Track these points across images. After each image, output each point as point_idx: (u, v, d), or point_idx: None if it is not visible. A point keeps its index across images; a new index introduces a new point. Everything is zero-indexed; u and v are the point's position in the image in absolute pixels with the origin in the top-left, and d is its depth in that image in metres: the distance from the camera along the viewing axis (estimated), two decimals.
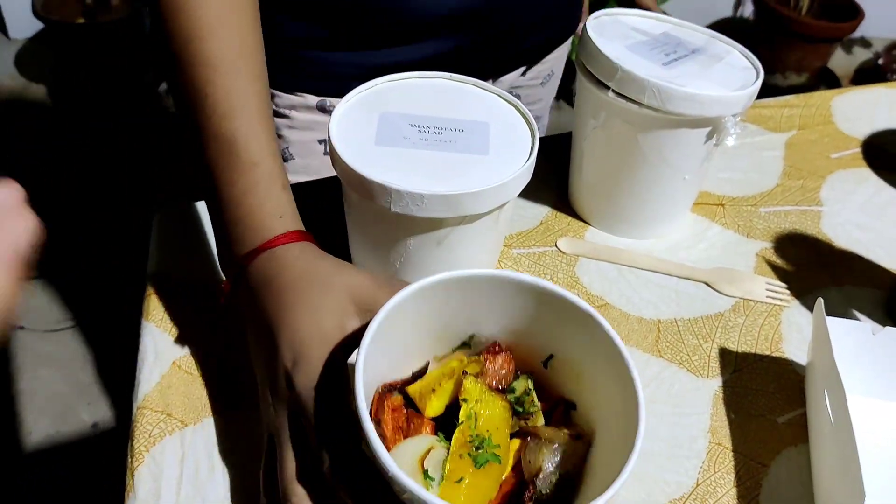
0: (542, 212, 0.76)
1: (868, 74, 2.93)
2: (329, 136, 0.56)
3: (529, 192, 0.70)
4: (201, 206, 0.73)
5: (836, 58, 2.73)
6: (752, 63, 0.69)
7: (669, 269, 0.71)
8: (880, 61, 2.83)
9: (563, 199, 0.77)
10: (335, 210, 0.63)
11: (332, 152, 0.56)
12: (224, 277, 0.55)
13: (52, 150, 2.27)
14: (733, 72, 0.67)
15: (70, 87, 2.37)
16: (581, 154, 0.72)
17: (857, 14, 2.54)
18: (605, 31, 0.69)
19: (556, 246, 0.73)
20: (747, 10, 2.97)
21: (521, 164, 0.56)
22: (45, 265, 1.88)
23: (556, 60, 0.98)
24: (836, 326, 0.58)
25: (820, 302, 0.57)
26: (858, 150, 0.88)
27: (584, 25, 0.68)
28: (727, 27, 2.99)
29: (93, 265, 1.90)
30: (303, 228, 0.54)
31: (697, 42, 0.71)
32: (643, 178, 0.69)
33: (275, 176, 0.54)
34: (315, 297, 0.48)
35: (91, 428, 1.62)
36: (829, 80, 2.74)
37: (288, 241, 0.52)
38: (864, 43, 3.08)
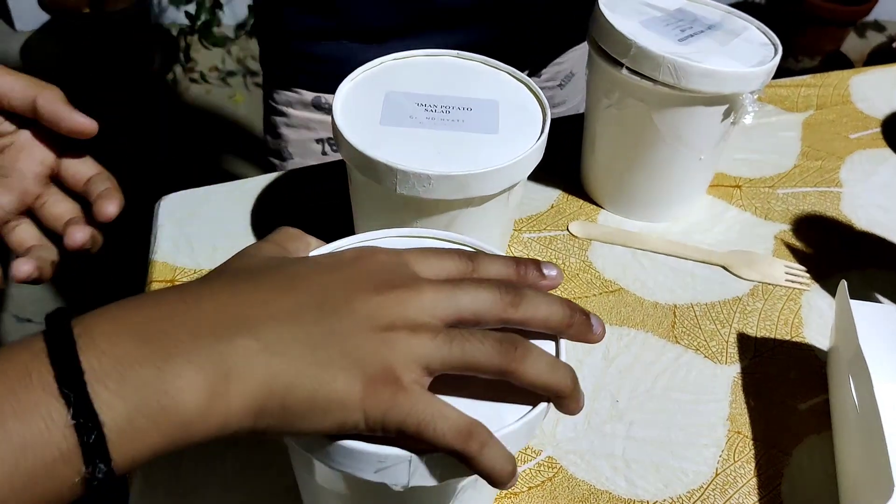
0: (553, 195, 0.74)
1: (881, 58, 2.89)
2: (333, 116, 0.54)
3: (540, 175, 0.68)
4: (204, 192, 0.71)
5: (849, 41, 2.69)
6: (770, 39, 0.66)
7: (685, 253, 0.69)
8: (894, 45, 2.79)
9: (575, 182, 0.75)
10: (339, 194, 0.61)
11: (335, 132, 0.54)
12: None
13: None
14: (751, 48, 0.65)
15: (77, 77, 2.36)
16: (593, 135, 0.70)
17: None
18: (617, 6, 0.66)
19: (567, 230, 0.71)
20: None
21: (531, 143, 0.54)
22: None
23: (575, 60, 0.93)
24: (861, 310, 0.55)
25: (843, 284, 0.55)
26: (878, 129, 0.86)
27: (597, 1, 0.66)
28: (739, 10, 2.95)
29: (98, 256, 1.89)
30: None
31: (714, 18, 0.69)
32: (658, 159, 0.67)
33: None
34: None
35: None
36: (842, 64, 2.70)
37: None
38: (878, 27, 3.04)
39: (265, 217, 0.69)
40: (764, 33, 0.68)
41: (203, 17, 2.30)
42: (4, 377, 0.27)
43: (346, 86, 0.58)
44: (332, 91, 0.57)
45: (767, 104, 0.87)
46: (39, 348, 0.27)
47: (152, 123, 2.28)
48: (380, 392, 0.31)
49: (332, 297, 0.32)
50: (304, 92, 0.82)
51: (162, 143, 2.20)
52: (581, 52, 0.93)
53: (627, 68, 0.62)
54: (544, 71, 0.90)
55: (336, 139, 0.54)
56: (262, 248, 0.37)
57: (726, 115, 0.64)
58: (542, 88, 0.91)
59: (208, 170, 2.11)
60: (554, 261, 0.67)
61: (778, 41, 0.66)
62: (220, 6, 2.34)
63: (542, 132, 0.55)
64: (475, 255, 0.39)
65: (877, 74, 0.95)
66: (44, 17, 2.41)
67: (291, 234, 0.39)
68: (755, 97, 0.63)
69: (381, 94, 0.57)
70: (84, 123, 0.45)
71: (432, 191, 0.51)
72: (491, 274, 0.38)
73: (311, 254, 0.40)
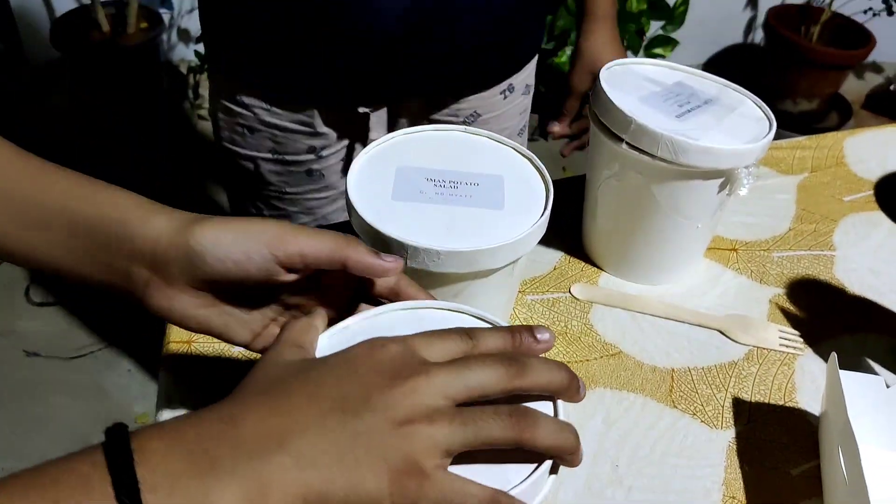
0: (555, 257, 0.77)
1: (880, 100, 2.93)
2: (346, 191, 0.57)
3: (543, 238, 0.71)
4: None
5: (847, 83, 2.73)
6: (765, 114, 0.70)
7: (683, 317, 0.71)
8: (892, 87, 2.84)
9: (577, 245, 0.78)
10: None
11: (349, 207, 0.57)
12: None
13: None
14: (746, 123, 0.68)
15: (86, 111, 2.40)
16: (595, 201, 0.73)
17: (868, 41, 2.55)
18: (617, 82, 0.70)
19: (569, 292, 0.73)
20: (758, 37, 2.98)
21: (535, 218, 0.57)
22: (63, 292, 1.89)
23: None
24: (850, 381, 0.58)
25: (833, 357, 0.57)
26: (871, 192, 0.89)
27: (598, 76, 0.69)
28: (738, 53, 2.99)
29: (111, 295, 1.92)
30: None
31: (711, 92, 0.72)
32: (656, 227, 0.70)
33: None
34: None
35: None
36: (840, 107, 2.74)
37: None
38: (876, 68, 3.08)
39: None
40: (759, 107, 0.71)
41: None
42: (67, 486, 0.30)
43: (360, 160, 0.61)
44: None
45: (763, 167, 0.90)
46: (99, 461, 0.31)
47: (159, 157, 2.31)
48: (406, 484, 0.34)
49: (351, 399, 0.35)
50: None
51: (166, 177, 2.24)
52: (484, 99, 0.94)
53: (627, 143, 0.65)
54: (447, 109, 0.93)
55: (350, 213, 0.57)
56: (281, 353, 0.40)
57: (722, 187, 0.67)
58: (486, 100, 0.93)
59: (214, 205, 2.14)
60: (556, 323, 0.70)
61: (772, 115, 0.69)
62: None
63: (545, 208, 0.58)
64: (474, 332, 0.42)
65: (870, 136, 0.98)
66: (55, 51, 2.46)
67: (300, 327, 0.42)
68: (750, 170, 0.66)
69: (392, 169, 0.60)
70: (391, 266, 0.46)
71: (442, 265, 0.54)
72: (490, 347, 0.41)
73: (324, 338, 0.43)
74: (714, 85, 0.73)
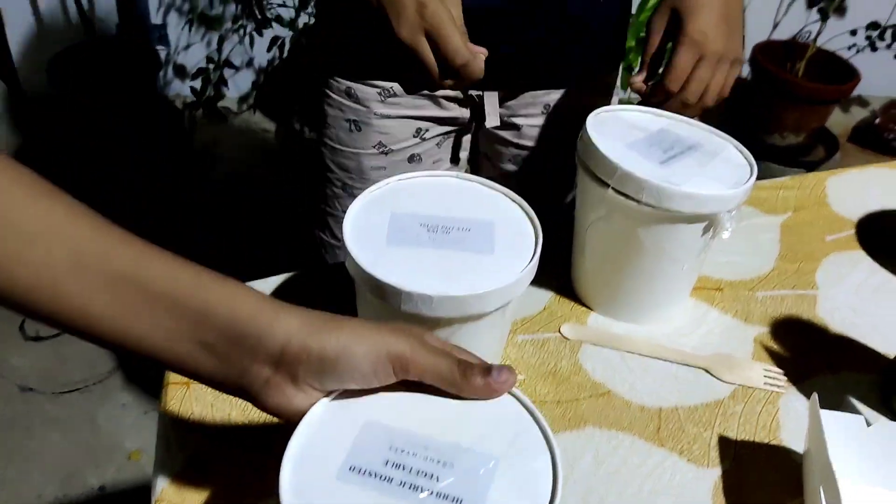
0: (546, 297, 0.79)
1: (865, 134, 2.97)
2: (343, 236, 0.59)
3: (534, 278, 0.73)
4: None
5: (833, 116, 2.77)
6: (746, 159, 0.72)
7: (670, 356, 0.73)
8: (877, 121, 2.88)
9: (567, 284, 0.80)
10: (347, 298, 0.65)
11: (346, 253, 0.58)
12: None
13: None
14: (728, 168, 0.70)
15: (81, 141, 2.42)
16: (583, 243, 0.75)
17: (853, 76, 2.59)
18: (604, 128, 0.72)
19: (559, 332, 0.75)
20: (745, 71, 3.03)
21: (524, 263, 0.59)
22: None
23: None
24: (831, 420, 0.59)
25: (815, 398, 0.59)
26: (852, 231, 0.91)
27: (585, 123, 0.71)
28: (728, 87, 3.04)
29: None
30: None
31: (694, 138, 0.74)
32: (643, 268, 0.72)
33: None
34: None
35: (98, 491, 1.63)
36: (826, 140, 2.79)
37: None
38: (862, 102, 3.13)
39: None
40: (741, 152, 0.73)
41: (209, 92, 2.38)
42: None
43: (356, 206, 0.63)
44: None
45: (748, 206, 0.92)
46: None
47: (154, 187, 2.33)
48: None
49: None
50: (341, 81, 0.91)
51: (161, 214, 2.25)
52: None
53: (613, 188, 0.67)
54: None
55: (346, 260, 0.59)
56: None
57: (706, 230, 0.69)
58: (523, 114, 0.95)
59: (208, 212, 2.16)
60: (547, 363, 0.72)
61: (753, 161, 0.71)
62: (226, 82, 2.42)
63: (534, 252, 0.60)
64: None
65: (852, 176, 1.01)
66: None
67: None
68: (732, 214, 0.68)
69: (387, 215, 0.62)
70: (501, 389, 0.47)
71: (435, 309, 0.55)
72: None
73: None
74: (697, 131, 0.76)
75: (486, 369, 0.46)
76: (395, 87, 0.90)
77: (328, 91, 0.93)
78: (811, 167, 2.69)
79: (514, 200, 0.65)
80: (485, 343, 0.63)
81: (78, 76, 2.31)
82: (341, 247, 0.82)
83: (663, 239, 0.69)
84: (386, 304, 0.56)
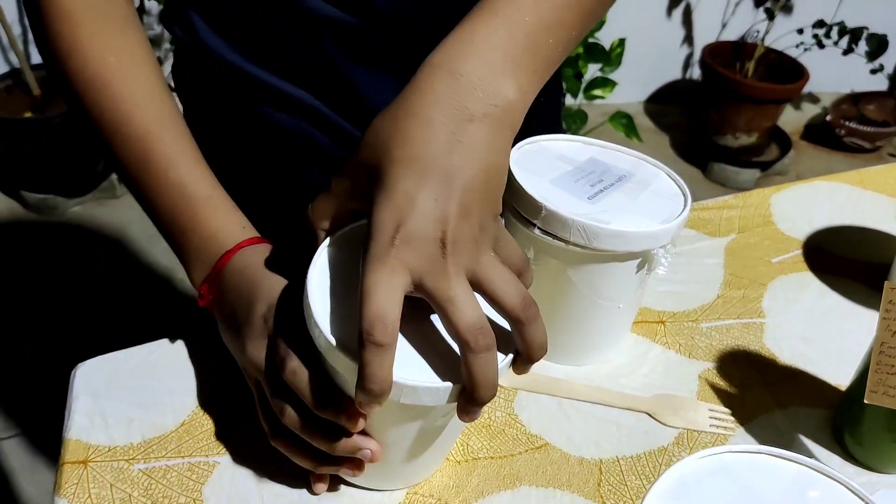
0: None
1: (817, 131, 2.98)
2: (306, 295, 0.52)
3: None
4: (124, 356, 0.70)
5: (786, 114, 2.78)
6: (679, 188, 0.68)
7: (610, 400, 0.69)
8: (828, 118, 2.88)
9: None
10: None
11: (307, 312, 0.51)
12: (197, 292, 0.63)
13: (3, 248, 2.23)
14: (660, 200, 0.66)
15: (21, 179, 2.34)
16: None
17: (801, 74, 2.59)
18: (528, 163, 0.67)
19: None
20: (695, 73, 3.02)
21: None
22: None
23: None
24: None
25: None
26: (799, 252, 0.87)
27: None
28: (677, 89, 3.03)
29: (38, 371, 1.85)
30: (260, 236, 0.63)
31: (624, 167, 0.70)
32: (577, 310, 0.68)
33: (226, 200, 0.64)
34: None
35: None
36: (779, 138, 2.79)
37: (254, 243, 0.62)
38: (812, 98, 3.14)
39: (198, 380, 0.68)
40: (674, 181, 0.69)
41: None
42: None
43: (322, 256, 0.54)
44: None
45: (690, 230, 0.89)
46: None
47: (95, 228, 2.26)
48: None
49: None
50: None
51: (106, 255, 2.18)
52: None
53: (540, 228, 0.63)
54: None
55: (307, 319, 0.52)
56: None
57: (640, 267, 0.65)
58: None
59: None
60: (481, 415, 0.67)
61: (687, 191, 0.67)
62: None
63: None
64: None
65: (797, 191, 0.97)
66: None
67: None
68: (667, 249, 0.64)
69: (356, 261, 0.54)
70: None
71: None
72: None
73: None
74: (628, 159, 0.71)
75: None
76: None
77: None
78: (765, 167, 2.68)
79: None
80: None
81: (18, 104, 2.24)
82: None
83: (595, 279, 0.65)
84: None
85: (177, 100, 0.70)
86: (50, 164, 2.29)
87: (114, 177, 2.39)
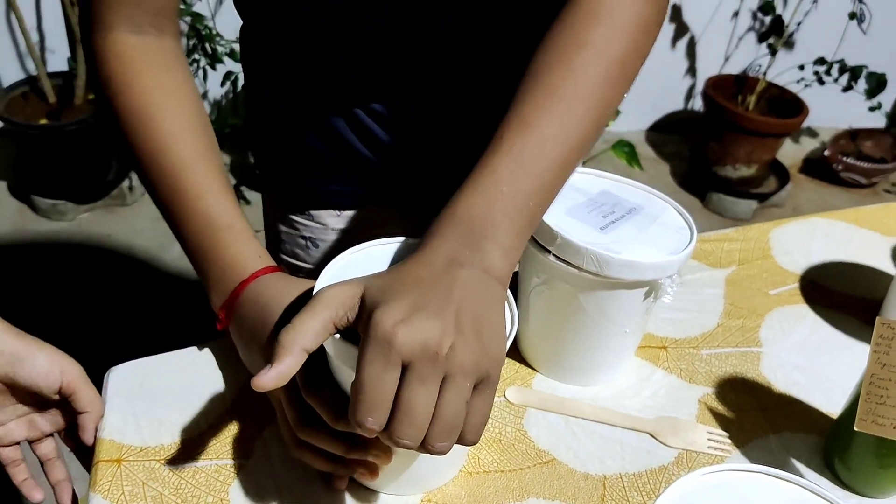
0: None
1: (815, 165, 3.03)
2: None
3: None
4: (154, 361, 0.74)
5: (784, 148, 2.83)
6: (686, 222, 0.72)
7: (615, 420, 0.73)
8: (826, 152, 2.94)
9: (512, 345, 0.79)
10: None
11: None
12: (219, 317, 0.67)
13: (12, 250, 2.26)
14: (668, 233, 0.70)
15: (34, 183, 2.38)
16: (526, 306, 0.75)
17: (801, 109, 2.65)
18: None
19: (504, 396, 0.74)
20: (697, 104, 3.07)
21: None
22: None
23: None
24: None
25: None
26: (796, 285, 0.92)
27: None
28: (679, 120, 3.09)
29: None
30: (275, 265, 0.67)
31: (635, 200, 0.74)
32: (586, 333, 0.72)
33: (247, 231, 0.68)
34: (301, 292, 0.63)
35: None
36: (778, 171, 2.84)
37: (268, 272, 0.66)
38: (811, 133, 3.20)
39: (225, 385, 0.72)
40: (681, 215, 0.73)
41: None
42: None
43: (329, 272, 0.60)
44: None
45: (692, 260, 0.93)
46: None
47: (108, 237, 2.29)
48: None
49: None
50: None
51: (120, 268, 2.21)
52: None
53: (554, 255, 0.67)
54: None
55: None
56: None
57: (647, 295, 0.69)
58: None
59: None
60: (491, 430, 0.71)
61: (693, 225, 0.72)
62: None
63: (510, 333, 0.59)
64: None
65: (795, 227, 1.02)
66: None
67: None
68: (673, 279, 0.68)
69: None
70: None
71: None
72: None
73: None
74: (638, 192, 0.76)
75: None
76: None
77: (281, 211, 0.91)
78: (763, 198, 2.73)
79: None
80: None
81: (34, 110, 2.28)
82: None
83: (605, 304, 0.69)
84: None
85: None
86: (62, 171, 2.33)
87: (124, 185, 2.43)
